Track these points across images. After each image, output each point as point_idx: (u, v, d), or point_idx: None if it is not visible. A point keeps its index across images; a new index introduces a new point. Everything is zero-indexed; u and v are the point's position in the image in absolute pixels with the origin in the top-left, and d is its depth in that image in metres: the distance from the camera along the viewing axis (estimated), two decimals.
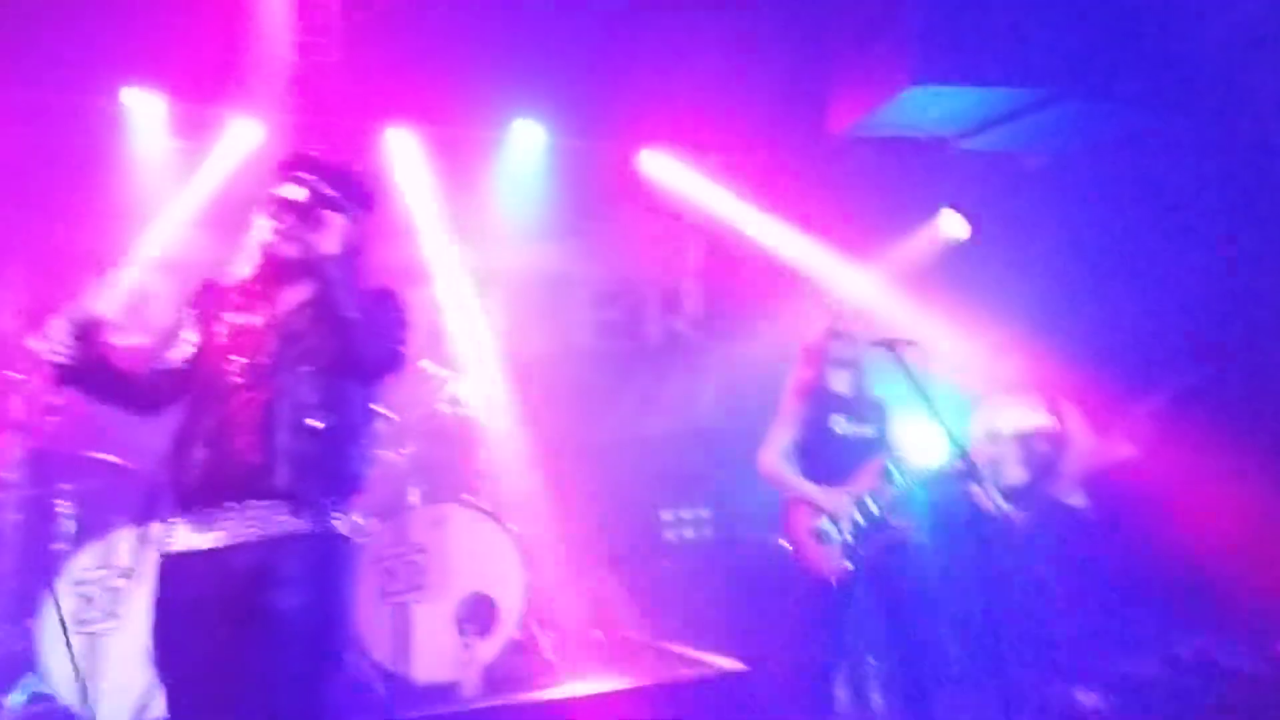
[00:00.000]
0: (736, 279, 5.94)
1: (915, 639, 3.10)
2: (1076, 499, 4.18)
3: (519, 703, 3.18)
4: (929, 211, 5.63)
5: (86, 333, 1.92)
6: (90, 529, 3.16)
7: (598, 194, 5.76)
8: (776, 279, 5.60)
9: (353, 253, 2.03)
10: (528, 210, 5.62)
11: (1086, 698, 3.84)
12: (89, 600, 2.99)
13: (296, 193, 2.00)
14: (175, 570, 1.92)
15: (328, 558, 1.94)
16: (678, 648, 3.90)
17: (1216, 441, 4.26)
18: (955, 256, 5.55)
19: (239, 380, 1.94)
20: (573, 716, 3.17)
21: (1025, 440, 4.11)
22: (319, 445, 1.94)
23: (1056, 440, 4.21)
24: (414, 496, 3.94)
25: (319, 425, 1.93)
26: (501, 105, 5.16)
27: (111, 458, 3.32)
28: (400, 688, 3.29)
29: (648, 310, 6.13)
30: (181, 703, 1.86)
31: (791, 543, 3.20)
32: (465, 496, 3.95)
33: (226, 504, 1.90)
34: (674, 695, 3.34)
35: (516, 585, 3.63)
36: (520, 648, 3.66)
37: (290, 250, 1.99)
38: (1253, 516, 4.42)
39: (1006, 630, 3.20)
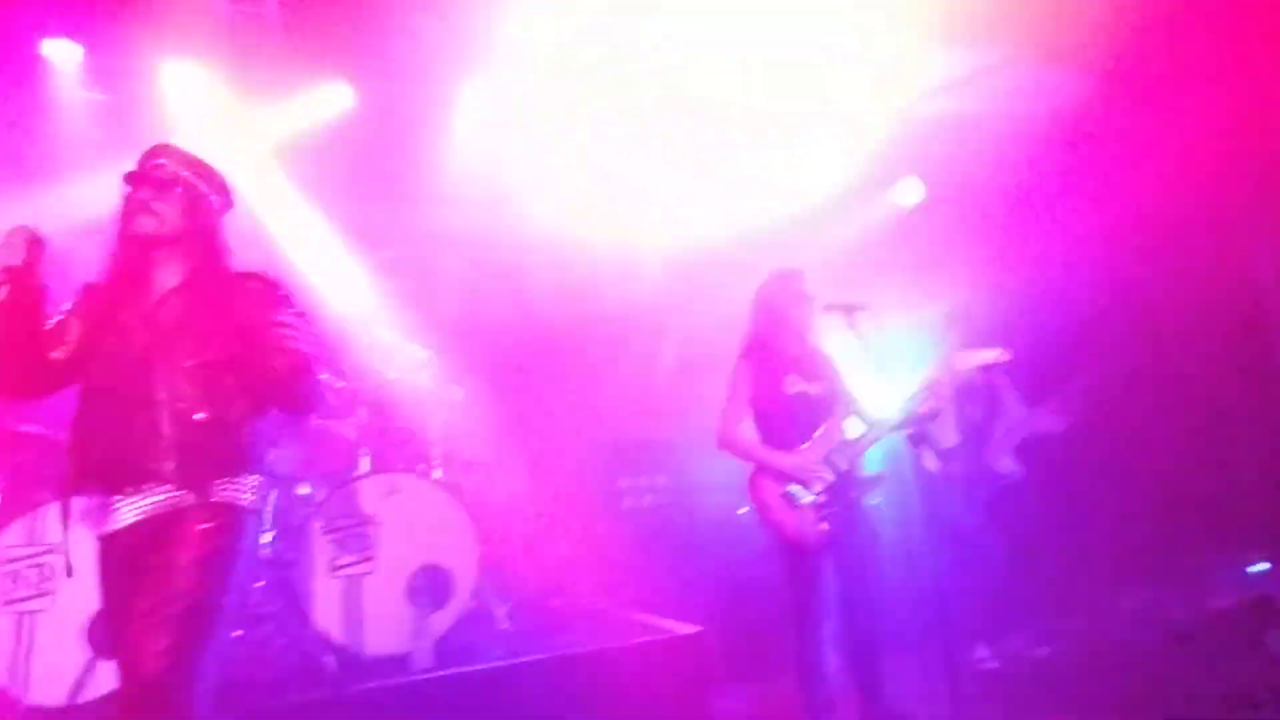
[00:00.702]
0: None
1: (872, 598, 3.13)
2: (1006, 464, 4.28)
3: (472, 672, 3.15)
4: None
5: (34, 255, 1.98)
6: (16, 505, 3.03)
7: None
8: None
9: (209, 232, 2.13)
10: (486, 171, 5.48)
11: (984, 655, 3.99)
12: (16, 578, 2.89)
13: (153, 168, 2.11)
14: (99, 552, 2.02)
15: (217, 523, 1.97)
16: (635, 614, 3.91)
17: (1143, 414, 4.38)
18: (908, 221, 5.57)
19: (123, 378, 1.99)
20: (526, 684, 3.16)
21: (968, 388, 4.19)
22: (205, 435, 1.98)
23: (990, 404, 4.30)
24: (364, 466, 3.87)
25: (202, 417, 1.98)
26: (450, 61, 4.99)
27: (35, 429, 3.20)
28: (351, 660, 3.25)
29: (605, 276, 6.05)
30: None
31: (760, 509, 3.20)
32: (418, 466, 3.88)
33: (124, 490, 1.97)
34: (629, 659, 3.34)
35: (471, 555, 3.59)
36: (475, 618, 3.63)
37: (147, 225, 2.06)
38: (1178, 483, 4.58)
39: (947, 590, 3.25)
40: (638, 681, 3.24)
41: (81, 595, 2.80)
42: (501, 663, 3.23)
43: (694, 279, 5.83)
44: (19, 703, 2.80)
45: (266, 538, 3.50)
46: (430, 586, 3.48)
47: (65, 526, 2.04)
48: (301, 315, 2.15)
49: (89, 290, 2.12)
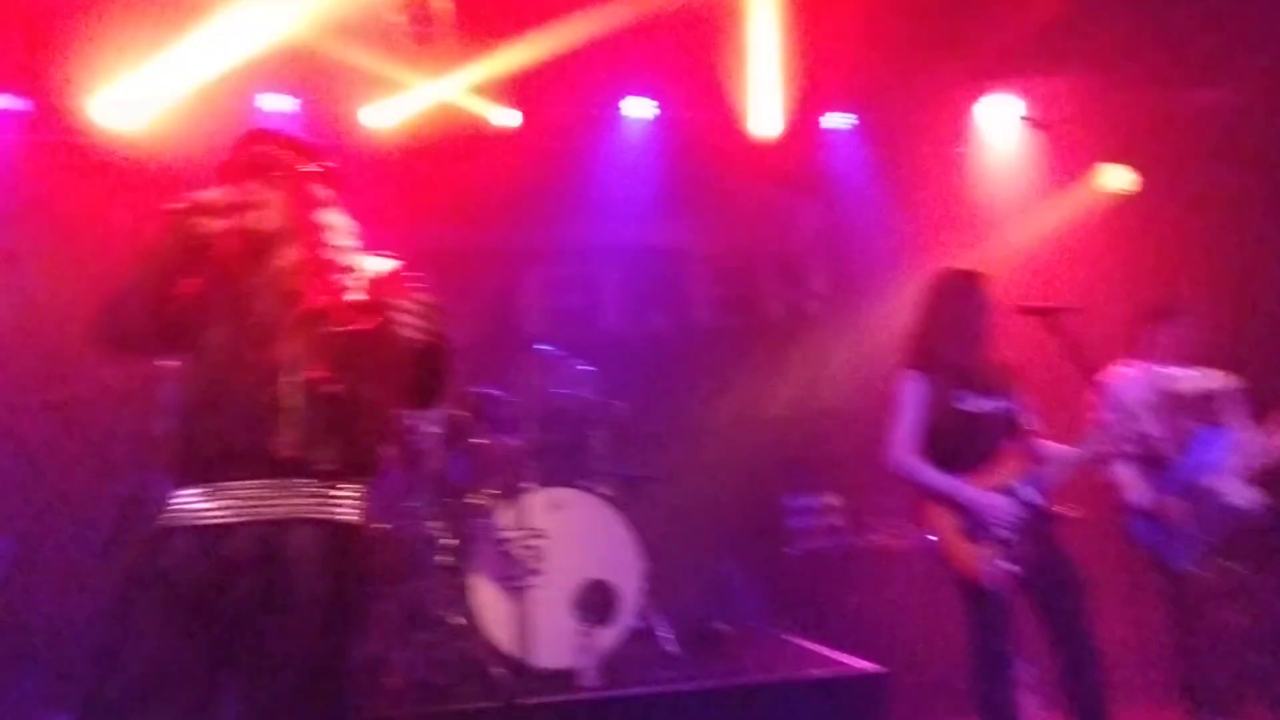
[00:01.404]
0: (862, 247, 5.58)
1: (1088, 643, 2.74)
2: (1246, 496, 3.58)
3: (641, 694, 3.06)
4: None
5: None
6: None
7: (704, 166, 5.55)
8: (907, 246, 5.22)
9: (317, 207, 1.94)
10: (641, 186, 5.50)
11: None
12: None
13: (257, 154, 1.95)
14: (174, 543, 1.72)
15: (358, 552, 1.78)
16: (806, 643, 3.68)
17: None
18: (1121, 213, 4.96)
19: (253, 339, 1.79)
20: (695, 712, 3.02)
21: (1197, 405, 3.58)
22: (342, 418, 1.77)
23: (1214, 426, 3.64)
24: (531, 480, 3.91)
25: (344, 394, 1.77)
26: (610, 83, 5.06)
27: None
28: (519, 671, 3.25)
29: (765, 285, 5.88)
30: (129, 687, 1.62)
31: (935, 542, 2.89)
32: (583, 481, 3.87)
33: (239, 475, 1.72)
34: (803, 694, 3.12)
35: (635, 573, 3.52)
36: (640, 637, 3.55)
37: (256, 219, 1.87)
38: None
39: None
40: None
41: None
42: (670, 687, 3.11)
43: (859, 282, 5.55)
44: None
45: (437, 543, 3.59)
46: (595, 602, 3.44)
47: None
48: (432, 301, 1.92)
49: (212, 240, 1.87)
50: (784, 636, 3.88)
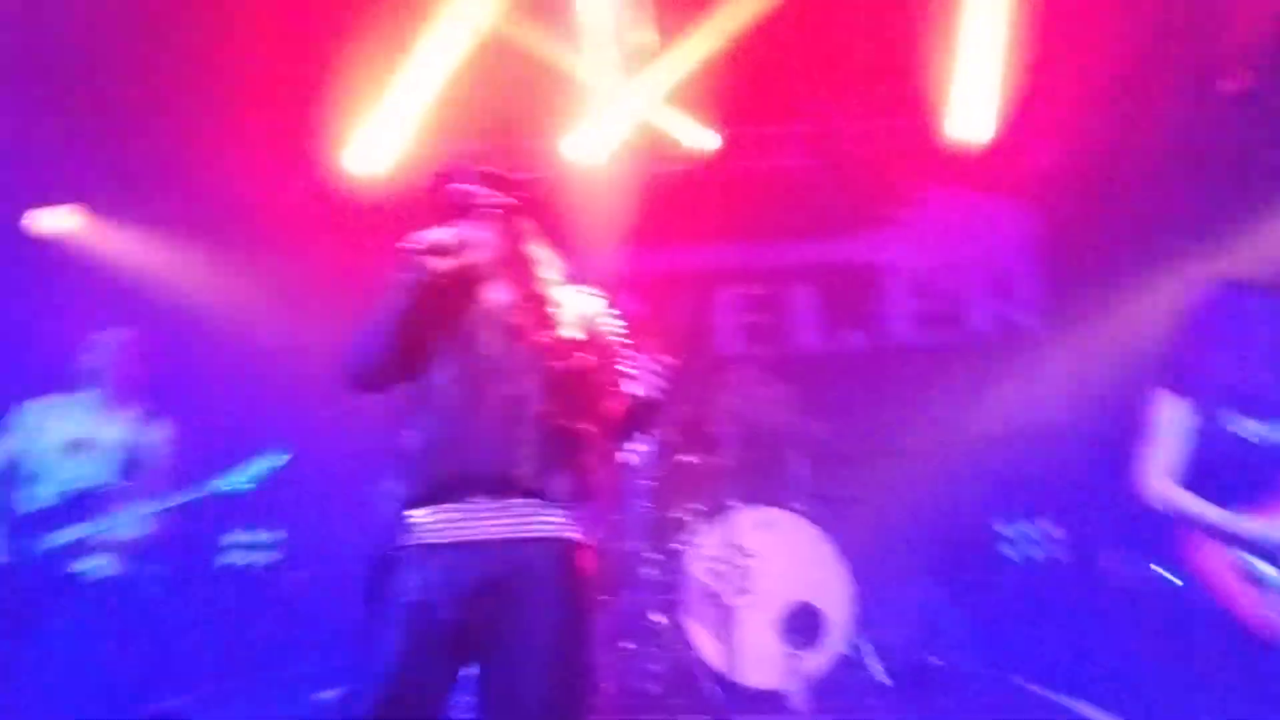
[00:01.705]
0: (1080, 256, 5.15)
1: None
2: None
3: None
4: None
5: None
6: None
7: (904, 175, 5.36)
8: (1130, 252, 4.75)
9: (526, 242, 2.04)
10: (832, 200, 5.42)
11: None
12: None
13: (462, 194, 2.00)
14: (421, 556, 1.84)
15: (585, 569, 1.90)
16: (1029, 685, 3.45)
17: None
18: None
19: (485, 373, 1.91)
20: None
21: None
22: (568, 447, 1.91)
23: None
24: (734, 500, 3.98)
25: (568, 425, 1.90)
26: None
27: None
28: (728, 689, 3.31)
29: (972, 297, 5.58)
30: (377, 697, 1.75)
31: (1203, 581, 2.60)
32: (786, 501, 3.87)
33: (478, 499, 1.85)
34: None
35: (843, 598, 3.47)
36: (849, 664, 3.49)
37: (475, 256, 1.97)
38: None
39: None
40: None
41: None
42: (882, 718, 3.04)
43: (1079, 290, 5.11)
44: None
45: (646, 557, 3.73)
46: (803, 625, 3.43)
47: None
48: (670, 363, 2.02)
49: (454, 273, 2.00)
50: (1005, 677, 3.66)
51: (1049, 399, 5.01)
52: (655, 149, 5.54)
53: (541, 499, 1.86)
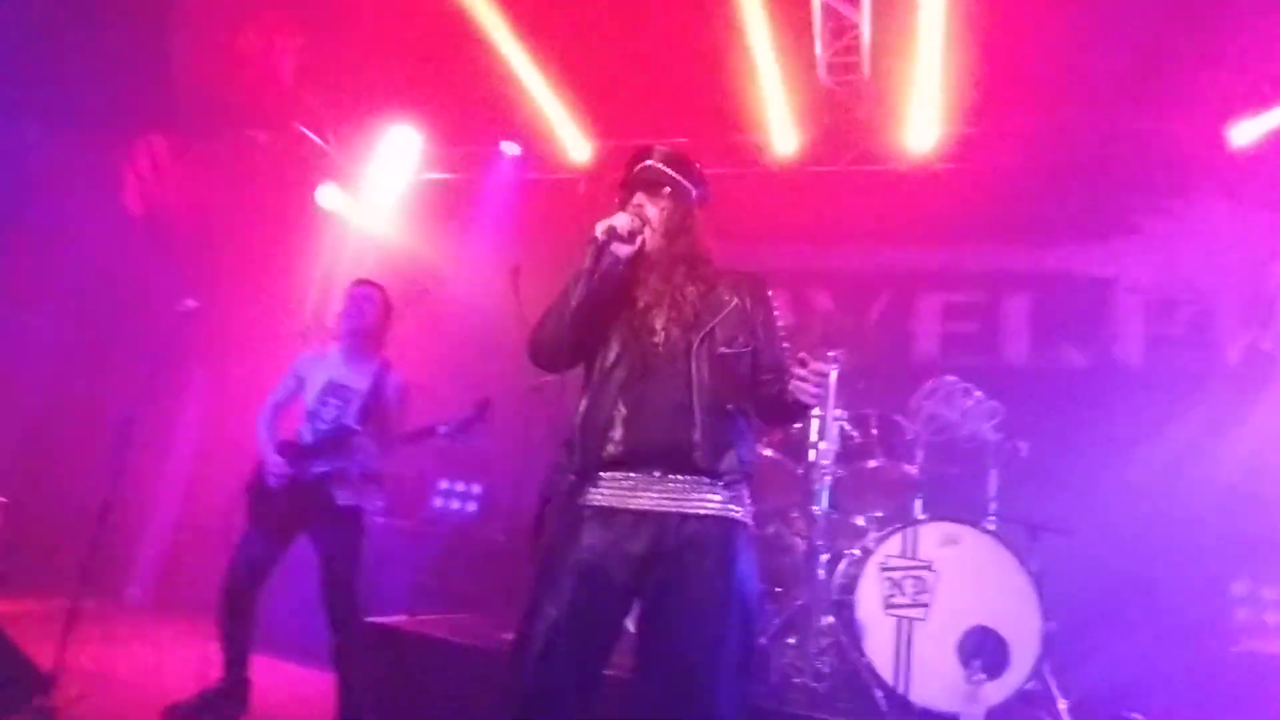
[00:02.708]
0: None
1: None
2: None
3: None
4: None
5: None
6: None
7: (1157, 182, 4.85)
8: None
9: (696, 224, 2.14)
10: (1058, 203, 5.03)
11: None
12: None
13: (642, 170, 2.14)
14: (600, 521, 1.96)
15: (746, 543, 1.99)
16: None
17: None
18: None
19: (654, 352, 2.02)
20: None
21: None
22: (732, 428, 2.00)
23: None
24: (917, 509, 3.87)
25: (732, 407, 2.00)
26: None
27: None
28: (898, 702, 3.24)
29: (1222, 324, 4.96)
30: (551, 647, 1.87)
31: None
32: (978, 519, 3.70)
33: (651, 471, 1.96)
34: None
35: (1032, 629, 3.28)
36: (1032, 700, 3.30)
37: (636, 226, 2.09)
38: None
39: None
40: None
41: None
42: None
43: None
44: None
45: (824, 557, 3.73)
46: (983, 650, 3.28)
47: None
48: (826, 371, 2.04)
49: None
50: None
51: None
52: (863, 148, 5.44)
53: (709, 476, 1.96)
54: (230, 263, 5.51)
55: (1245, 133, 4.52)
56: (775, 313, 2.17)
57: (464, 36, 5.15)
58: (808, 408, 2.02)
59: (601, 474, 1.98)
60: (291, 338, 5.52)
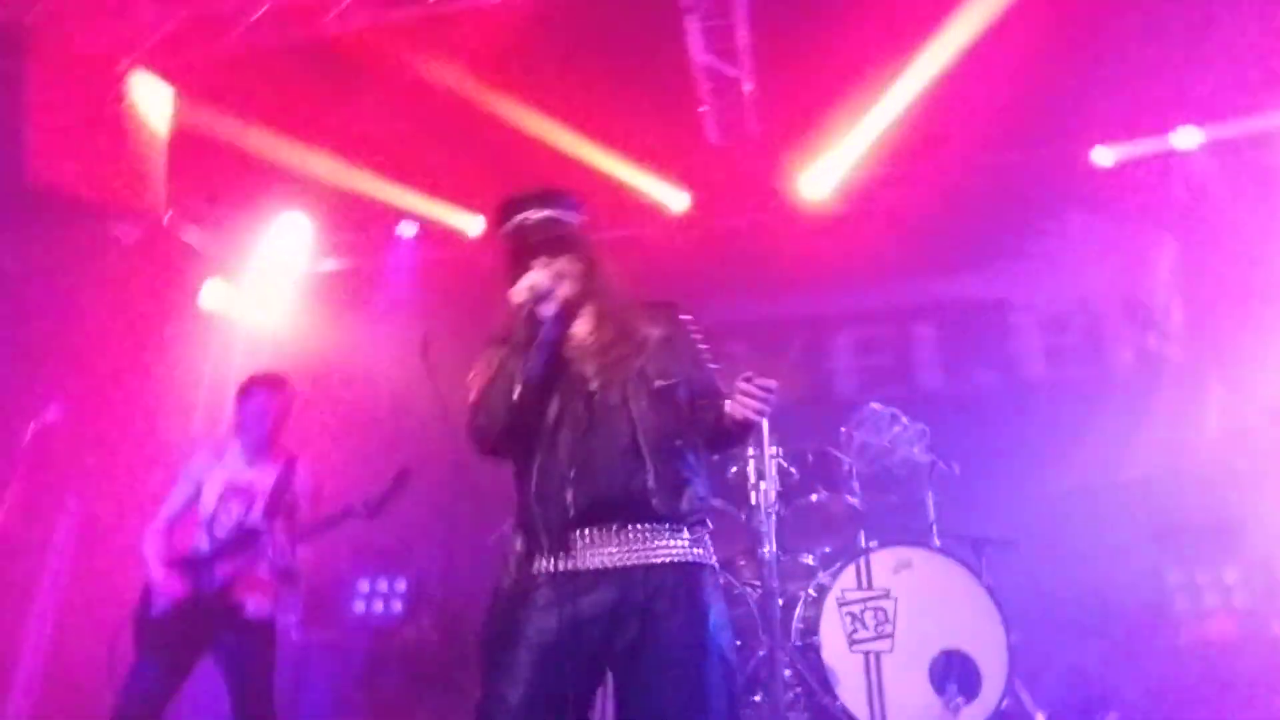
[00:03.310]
0: (1230, 280, 4.81)
1: None
2: None
3: None
4: None
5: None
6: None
7: (1037, 207, 5.18)
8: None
9: (597, 259, 2.03)
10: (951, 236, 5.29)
11: None
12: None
13: (527, 230, 1.99)
14: (555, 587, 1.81)
15: (715, 588, 1.87)
16: None
17: None
18: None
19: (590, 403, 1.90)
20: None
21: None
22: (684, 465, 1.89)
23: None
24: (868, 541, 3.81)
25: (680, 443, 1.89)
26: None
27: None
28: None
29: (1111, 330, 5.26)
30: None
31: None
32: (929, 542, 3.67)
33: (607, 525, 1.83)
34: None
35: (998, 645, 3.22)
36: (1010, 717, 3.21)
37: (559, 290, 1.95)
38: None
39: None
40: None
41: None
42: None
43: (1227, 322, 4.75)
44: None
45: (779, 602, 3.58)
46: (955, 674, 3.20)
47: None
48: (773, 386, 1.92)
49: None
50: None
51: (1209, 436, 4.62)
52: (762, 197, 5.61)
53: (670, 520, 1.84)
54: (101, 369, 5.05)
55: (1107, 155, 4.91)
56: (697, 337, 2.08)
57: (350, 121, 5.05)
58: (751, 426, 1.90)
59: (559, 534, 1.84)
60: (180, 446, 5.07)
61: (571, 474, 1.85)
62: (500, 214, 2.06)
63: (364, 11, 4.53)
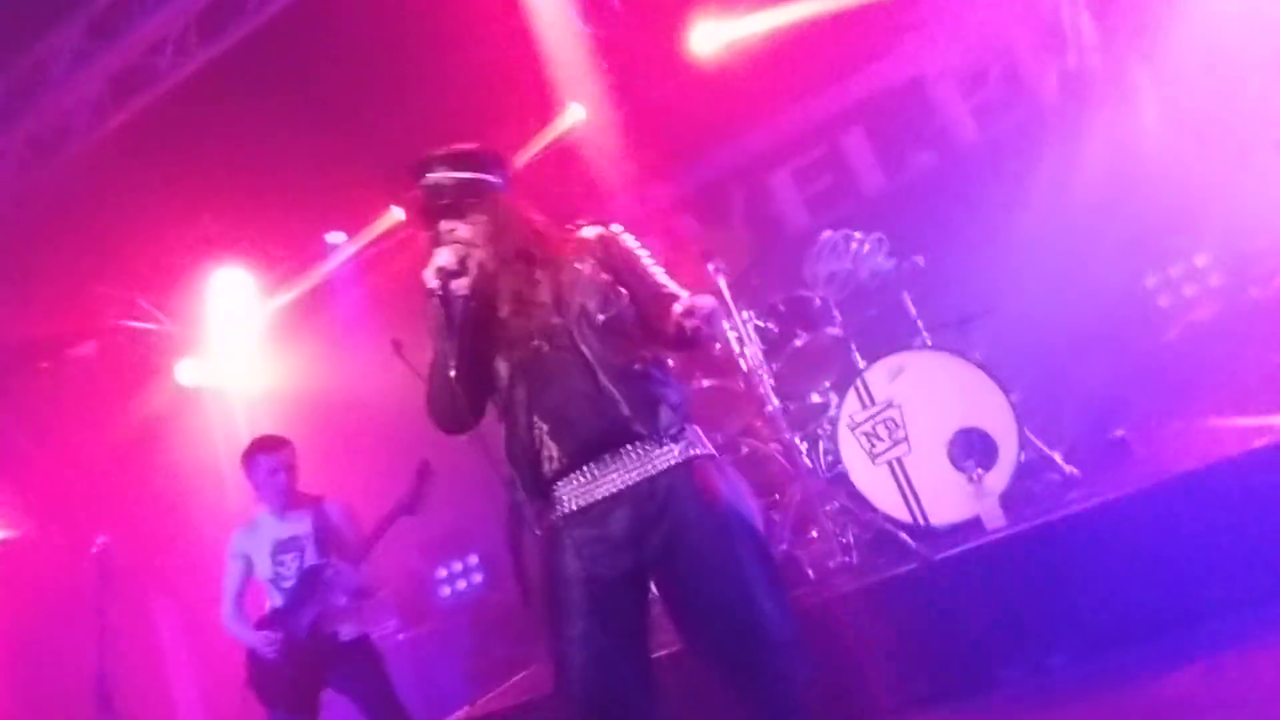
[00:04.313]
0: None
1: None
2: None
3: (1055, 521, 2.96)
4: None
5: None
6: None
7: None
8: None
9: (517, 211, 2.03)
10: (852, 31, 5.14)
11: None
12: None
13: (432, 194, 1.98)
14: (577, 524, 1.91)
15: (720, 470, 1.98)
16: (1231, 421, 3.27)
17: None
18: None
19: (538, 353, 1.94)
20: (1119, 524, 2.84)
21: None
22: (652, 384, 1.96)
23: None
24: (860, 362, 3.96)
25: (640, 367, 1.95)
26: None
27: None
28: (925, 534, 3.33)
29: (1029, 67, 5.19)
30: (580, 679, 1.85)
31: None
32: (914, 341, 3.82)
33: (598, 460, 1.91)
34: (1244, 470, 2.79)
35: (1003, 409, 3.40)
36: (1032, 469, 3.44)
37: (460, 252, 1.95)
38: None
39: None
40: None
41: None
42: (1084, 506, 2.98)
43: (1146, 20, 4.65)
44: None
45: (802, 447, 3.79)
46: (972, 449, 3.40)
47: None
48: (654, 255, 2.02)
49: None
50: (1195, 421, 3.49)
51: (1148, 139, 4.63)
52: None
53: (652, 439, 1.92)
54: (118, 486, 5.23)
55: None
56: (638, 249, 2.09)
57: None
58: (706, 338, 1.99)
59: (556, 485, 1.94)
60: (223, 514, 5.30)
61: (543, 431, 1.92)
62: (402, 183, 2.06)
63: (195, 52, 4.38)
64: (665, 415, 1.96)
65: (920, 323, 3.98)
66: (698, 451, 1.98)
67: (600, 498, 1.92)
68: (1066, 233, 4.44)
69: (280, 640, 3.36)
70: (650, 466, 1.93)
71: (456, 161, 2.03)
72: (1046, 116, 5.00)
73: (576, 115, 5.57)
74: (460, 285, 1.94)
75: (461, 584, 5.50)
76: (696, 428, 2.03)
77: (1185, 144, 4.38)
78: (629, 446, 1.92)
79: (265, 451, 3.57)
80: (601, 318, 1.96)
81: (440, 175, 2.01)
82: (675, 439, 1.96)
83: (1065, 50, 5.08)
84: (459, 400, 1.92)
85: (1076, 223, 4.48)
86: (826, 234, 4.26)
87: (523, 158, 5.36)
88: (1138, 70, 4.77)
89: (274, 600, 3.49)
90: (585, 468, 1.92)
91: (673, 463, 1.94)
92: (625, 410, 1.91)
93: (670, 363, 2.10)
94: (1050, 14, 5.06)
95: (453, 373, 1.90)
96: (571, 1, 5.01)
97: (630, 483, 1.92)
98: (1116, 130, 4.74)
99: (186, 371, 6.07)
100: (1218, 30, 3.96)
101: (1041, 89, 5.10)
